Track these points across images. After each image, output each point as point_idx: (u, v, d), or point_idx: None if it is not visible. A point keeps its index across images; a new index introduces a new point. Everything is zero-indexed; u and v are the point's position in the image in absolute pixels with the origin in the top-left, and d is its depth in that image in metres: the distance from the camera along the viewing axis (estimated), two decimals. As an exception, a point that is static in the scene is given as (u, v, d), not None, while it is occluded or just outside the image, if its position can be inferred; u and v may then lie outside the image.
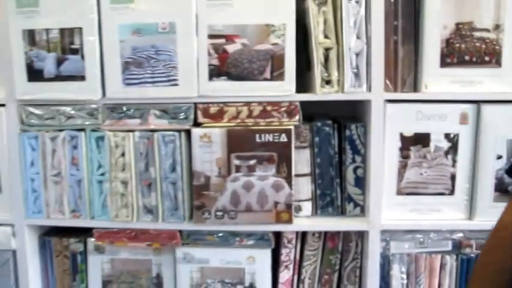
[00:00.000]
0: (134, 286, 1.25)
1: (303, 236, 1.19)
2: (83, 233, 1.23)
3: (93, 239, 1.21)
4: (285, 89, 1.09)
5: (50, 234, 1.26)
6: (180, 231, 1.16)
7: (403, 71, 1.11)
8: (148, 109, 1.12)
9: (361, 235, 1.17)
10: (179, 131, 1.11)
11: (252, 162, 1.10)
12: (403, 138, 1.11)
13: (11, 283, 1.23)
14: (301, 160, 1.15)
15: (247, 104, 1.10)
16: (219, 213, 1.12)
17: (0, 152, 1.19)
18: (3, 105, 1.17)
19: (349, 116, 1.20)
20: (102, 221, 1.17)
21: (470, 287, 0.82)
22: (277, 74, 1.09)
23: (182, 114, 1.11)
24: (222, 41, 1.09)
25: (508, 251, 0.76)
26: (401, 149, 1.11)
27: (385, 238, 1.14)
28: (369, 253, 1.13)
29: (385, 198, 1.13)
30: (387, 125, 1.10)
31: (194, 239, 1.16)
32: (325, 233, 1.18)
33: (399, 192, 1.13)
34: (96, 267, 1.25)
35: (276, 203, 1.11)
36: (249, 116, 1.11)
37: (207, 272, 1.18)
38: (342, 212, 1.18)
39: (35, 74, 1.14)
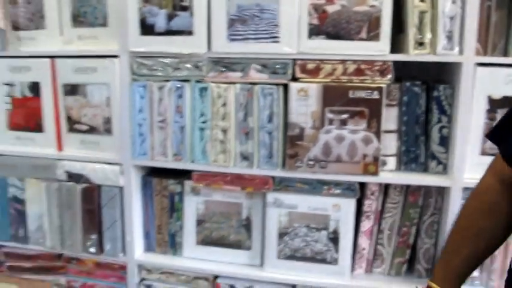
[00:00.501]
0: (225, 226, 1.39)
1: (385, 189, 1.29)
2: (181, 175, 1.38)
3: (190, 181, 1.35)
4: (379, 49, 1.18)
5: (151, 175, 1.42)
6: (273, 178, 1.29)
7: (495, 35, 1.18)
8: (250, 63, 1.24)
9: (441, 192, 1.27)
10: (277, 84, 1.23)
11: (345, 116, 1.21)
12: (491, 100, 1.18)
13: (117, 215, 1.41)
14: (389, 117, 1.24)
15: (343, 62, 1.20)
16: (311, 162, 1.23)
17: (112, 98, 1.34)
18: (116, 56, 1.32)
19: (436, 79, 1.27)
20: (201, 164, 1.31)
21: (447, 249, 0.88)
22: (373, 34, 1.18)
23: (281, 69, 1.22)
24: (322, 1, 1.19)
25: (486, 215, 0.83)
26: (489, 111, 1.19)
27: (465, 196, 1.23)
28: (449, 209, 1.22)
29: (468, 158, 1.20)
30: (476, 88, 1.17)
31: (285, 185, 1.29)
32: (407, 187, 1.27)
33: (483, 153, 1.21)
34: (191, 207, 1.40)
35: (365, 156, 1.22)
36: (344, 73, 1.21)
37: (294, 217, 1.31)
38: (424, 169, 1.27)
39: (146, 29, 1.28)
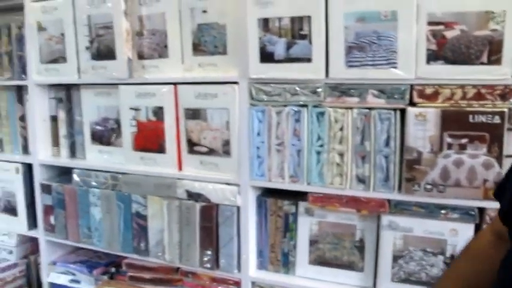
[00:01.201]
0: (338, 247, 1.46)
1: (505, 215, 1.29)
2: (295, 196, 1.47)
3: (304, 202, 1.44)
4: (501, 73, 1.21)
5: (266, 195, 1.52)
6: (389, 201, 1.34)
7: None
8: (367, 89, 1.31)
9: None
10: (394, 109, 1.29)
11: (464, 141, 1.24)
12: None
13: (233, 233, 1.52)
14: (510, 142, 1.25)
15: (462, 86, 1.24)
16: (428, 186, 1.28)
17: (232, 122, 1.47)
18: (236, 82, 1.44)
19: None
20: (317, 186, 1.39)
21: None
22: (494, 58, 1.21)
23: (398, 94, 1.28)
24: (441, 27, 1.24)
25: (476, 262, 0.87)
26: None
27: None
28: None
29: None
30: None
31: (401, 209, 1.33)
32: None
33: None
34: (305, 227, 1.48)
35: (485, 181, 1.23)
36: (463, 97, 1.24)
37: (409, 240, 1.34)
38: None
39: (266, 56, 1.39)
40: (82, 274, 1.88)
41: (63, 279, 1.92)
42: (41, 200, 1.87)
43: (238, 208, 1.48)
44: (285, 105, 1.38)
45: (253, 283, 1.54)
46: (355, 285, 1.44)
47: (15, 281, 2.00)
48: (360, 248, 1.42)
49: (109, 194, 1.72)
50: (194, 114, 1.53)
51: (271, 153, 1.42)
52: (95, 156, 1.78)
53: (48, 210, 1.88)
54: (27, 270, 2.07)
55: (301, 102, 1.37)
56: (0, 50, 1.91)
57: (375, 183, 1.32)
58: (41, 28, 1.77)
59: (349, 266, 1.44)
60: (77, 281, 1.88)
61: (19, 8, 1.78)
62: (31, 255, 2.08)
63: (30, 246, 2.08)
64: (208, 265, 1.57)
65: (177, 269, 1.66)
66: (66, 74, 1.73)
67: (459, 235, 1.29)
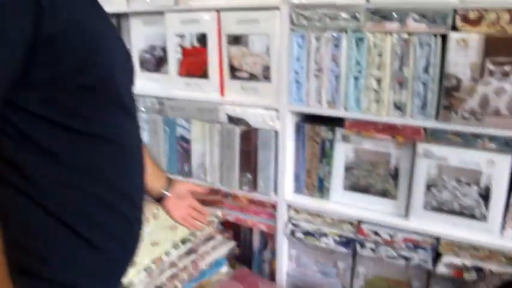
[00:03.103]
0: (372, 174, 1.50)
1: (547, 147, 1.27)
2: (333, 123, 1.51)
3: (341, 129, 1.48)
4: (553, -4, 1.16)
5: (304, 121, 1.57)
6: (425, 128, 1.35)
7: None
8: (408, 13, 1.29)
9: None
10: (435, 35, 1.27)
11: (507, 68, 1.22)
12: None
13: (271, 157, 1.59)
14: (558, 71, 1.22)
15: (509, 10, 1.20)
16: (466, 115, 1.27)
17: (272, 48, 1.50)
18: (277, 8, 1.46)
19: None
20: (354, 112, 1.42)
21: None
22: (546, -20, 1.16)
23: (440, 18, 1.26)
24: None
25: None
26: None
27: None
28: None
29: None
30: None
31: (437, 137, 1.34)
32: None
33: None
34: (341, 154, 1.53)
35: (526, 110, 1.22)
36: (509, 22, 1.21)
37: (444, 170, 1.36)
38: None
39: (307, -20, 1.40)
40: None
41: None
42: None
43: (276, 133, 1.54)
44: (325, 31, 1.40)
45: (289, 206, 1.62)
46: (387, 212, 1.48)
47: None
48: (394, 176, 1.45)
49: (155, 118, 1.82)
50: (236, 40, 1.57)
51: (310, 79, 1.45)
52: (143, 83, 1.87)
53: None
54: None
55: (341, 28, 1.37)
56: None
57: (412, 110, 1.33)
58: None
59: (383, 194, 1.48)
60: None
61: None
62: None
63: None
64: (247, 187, 1.65)
65: (218, 191, 1.76)
66: (115, 3, 1.80)
67: (495, 166, 1.29)
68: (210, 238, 1.64)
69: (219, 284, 1.59)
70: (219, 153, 1.68)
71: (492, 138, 1.28)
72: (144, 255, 1.43)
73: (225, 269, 1.68)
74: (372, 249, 1.48)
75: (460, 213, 1.35)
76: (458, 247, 1.37)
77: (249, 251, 1.81)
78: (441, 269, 1.40)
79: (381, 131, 1.38)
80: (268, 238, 1.74)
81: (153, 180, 1.27)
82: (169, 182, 1.35)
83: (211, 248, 1.62)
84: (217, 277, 1.64)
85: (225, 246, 1.68)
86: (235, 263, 1.80)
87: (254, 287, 1.58)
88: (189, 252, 1.55)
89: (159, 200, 1.32)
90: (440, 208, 1.38)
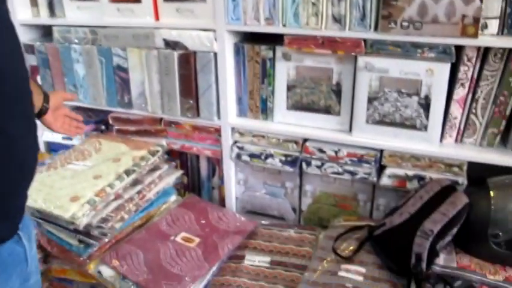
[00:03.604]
0: (315, 92, 1.47)
1: (483, 55, 1.27)
2: (272, 42, 1.46)
3: (282, 47, 1.43)
4: None
5: (243, 42, 1.51)
6: (365, 40, 1.32)
7: None
8: None
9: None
10: None
11: (444, -28, 1.18)
12: None
13: (212, 80, 1.54)
14: (494, -27, 1.19)
15: None
16: (405, 24, 1.25)
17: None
18: None
19: None
20: (293, 28, 1.37)
21: None
22: None
23: None
24: None
25: None
26: None
27: None
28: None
29: None
30: None
31: (377, 49, 1.32)
32: (508, 53, 1.24)
33: None
34: (283, 72, 1.49)
35: (464, 16, 1.20)
36: None
37: (385, 82, 1.35)
38: (529, 31, 1.22)
39: None
40: (73, 131, 1.93)
41: (56, 137, 1.98)
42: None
43: (215, 54, 1.48)
44: None
45: (233, 129, 1.59)
46: (331, 129, 1.48)
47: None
48: (337, 91, 1.43)
49: (90, 49, 1.72)
50: (167, -43, 1.46)
51: (250, -5, 1.37)
52: (74, 13, 1.74)
53: (34, 70, 1.89)
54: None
55: None
56: None
57: (351, 22, 1.30)
58: None
59: (326, 110, 1.47)
60: (69, 138, 1.95)
61: None
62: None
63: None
64: (189, 114, 1.60)
65: (160, 120, 1.70)
66: None
67: (435, 75, 1.29)
68: (155, 168, 1.60)
69: (167, 212, 1.57)
70: (158, 81, 1.61)
71: (431, 47, 1.26)
72: (86, 189, 1.38)
73: (173, 197, 1.66)
74: (318, 167, 1.48)
75: (402, 124, 1.36)
76: (400, 158, 1.39)
77: (197, 179, 1.79)
78: (385, 180, 1.42)
79: (320, 45, 1.35)
80: (215, 164, 1.72)
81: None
82: (47, 96, 1.30)
83: (157, 178, 1.58)
84: (166, 206, 1.62)
85: (172, 176, 1.65)
86: (185, 192, 1.78)
87: (203, 213, 1.57)
88: (134, 183, 1.51)
89: (39, 115, 1.28)
90: (382, 121, 1.38)
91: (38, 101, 1.22)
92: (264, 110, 1.52)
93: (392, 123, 1.36)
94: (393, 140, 1.37)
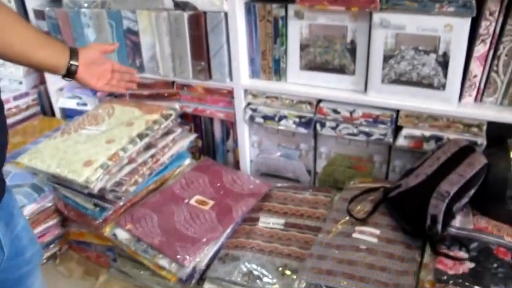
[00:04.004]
0: (329, 50, 1.43)
1: (506, 9, 1.19)
2: (284, 0, 1.40)
3: (294, 5, 1.37)
4: None
5: (254, 1, 1.45)
6: (380, -5, 1.26)
7: None
8: None
9: None
10: None
11: None
12: None
13: (223, 41, 1.50)
14: None
15: None
16: (423, -24, 1.18)
17: None
18: None
19: None
20: (305, -16, 1.31)
21: None
22: None
23: None
24: None
25: None
26: None
27: None
28: None
29: None
30: None
31: (393, 4, 1.26)
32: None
33: None
34: (295, 31, 1.44)
35: (485, -34, 1.13)
36: None
37: (401, 39, 1.29)
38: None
39: None
40: (87, 97, 1.93)
41: (71, 103, 1.98)
42: (36, 26, 1.85)
43: (226, 14, 1.44)
44: None
45: (245, 91, 1.56)
46: (346, 89, 1.44)
47: (29, 108, 2.09)
48: (351, 50, 1.39)
49: (99, 12, 1.69)
50: None
51: (257, -50, 1.31)
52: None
53: (45, 35, 1.86)
54: (39, 98, 2.14)
55: None
56: None
57: (366, -24, 1.23)
58: None
59: (341, 70, 1.43)
60: (84, 104, 1.95)
61: None
62: (41, 84, 2.13)
63: (39, 76, 2.12)
64: (201, 76, 1.58)
65: (173, 83, 1.68)
66: None
67: (454, 31, 1.23)
68: (169, 132, 1.59)
69: (182, 176, 1.56)
70: (169, 43, 1.58)
71: (450, 1, 1.20)
72: (99, 153, 1.38)
73: (188, 161, 1.65)
74: (332, 128, 1.46)
75: (419, 83, 1.32)
76: (417, 118, 1.35)
77: (211, 142, 1.78)
78: (401, 141, 1.39)
79: (334, 2, 1.30)
80: (229, 127, 1.70)
81: (53, 55, 1.04)
82: (74, 52, 1.11)
83: (171, 142, 1.57)
84: (181, 169, 1.61)
85: (185, 139, 1.64)
86: (199, 155, 1.77)
87: (218, 176, 1.56)
88: (148, 147, 1.50)
89: (70, 75, 1.10)
90: (398, 80, 1.33)
91: (60, 58, 1.07)
92: (277, 70, 1.49)
93: (409, 82, 1.31)
94: (410, 100, 1.33)
